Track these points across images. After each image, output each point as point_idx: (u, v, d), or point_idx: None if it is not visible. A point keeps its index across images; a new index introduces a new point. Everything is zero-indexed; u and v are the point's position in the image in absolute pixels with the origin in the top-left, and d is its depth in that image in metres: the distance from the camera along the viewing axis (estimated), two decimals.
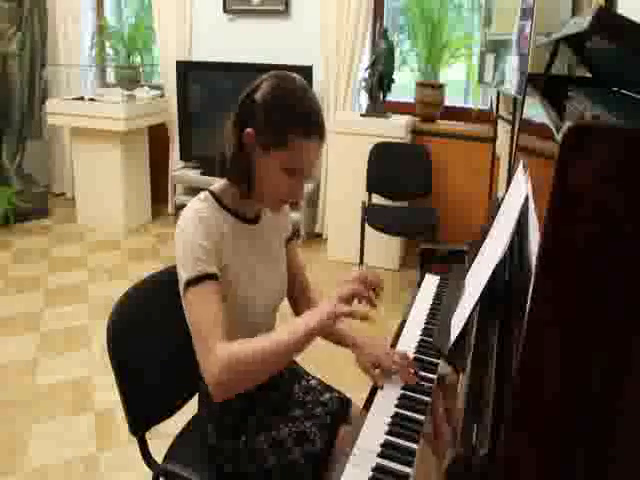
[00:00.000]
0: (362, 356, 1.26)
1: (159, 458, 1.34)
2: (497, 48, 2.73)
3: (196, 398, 1.45)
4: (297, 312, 1.42)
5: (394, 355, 1.23)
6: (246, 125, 1.11)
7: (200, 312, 1.06)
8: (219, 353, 1.02)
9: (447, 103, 3.74)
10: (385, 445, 1.00)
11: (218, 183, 1.21)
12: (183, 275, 1.08)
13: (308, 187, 3.91)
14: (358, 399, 1.28)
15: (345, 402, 1.36)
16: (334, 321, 1.02)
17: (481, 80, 3.09)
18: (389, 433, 1.04)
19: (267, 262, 1.26)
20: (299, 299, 1.42)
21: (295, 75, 1.13)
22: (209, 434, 1.25)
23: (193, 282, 1.07)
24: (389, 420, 1.08)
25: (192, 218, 1.11)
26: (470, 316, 1.05)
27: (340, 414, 1.31)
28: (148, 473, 1.33)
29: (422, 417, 1.07)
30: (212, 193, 1.19)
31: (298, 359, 1.50)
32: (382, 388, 1.18)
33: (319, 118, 1.11)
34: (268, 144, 1.09)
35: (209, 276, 1.08)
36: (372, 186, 3.41)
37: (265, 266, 1.25)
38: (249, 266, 1.20)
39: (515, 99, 2.54)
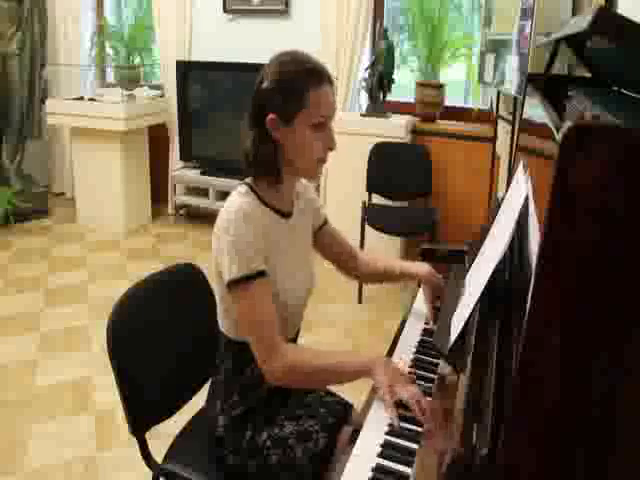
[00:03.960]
0: (427, 286, 1.45)
1: (159, 458, 1.34)
2: (497, 48, 2.72)
3: (196, 398, 1.45)
4: (354, 272, 1.50)
5: None
6: (264, 115, 1.15)
7: (260, 309, 1.14)
8: (288, 355, 1.14)
9: (447, 103, 3.74)
10: (385, 445, 1.00)
11: (251, 177, 1.24)
12: (235, 271, 1.12)
13: None
14: (358, 401, 1.28)
15: (346, 405, 1.37)
16: (376, 390, 1.13)
17: (481, 80, 3.09)
18: (389, 433, 1.04)
19: (300, 256, 1.30)
20: (352, 261, 1.49)
21: (284, 50, 1.19)
22: (219, 425, 1.26)
23: (247, 279, 1.12)
24: (389, 420, 1.07)
25: (238, 215, 1.14)
26: (470, 316, 1.05)
27: (341, 415, 1.31)
28: (148, 473, 1.33)
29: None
30: (251, 187, 1.22)
31: None
32: (434, 323, 1.39)
33: (320, 66, 1.18)
34: (291, 113, 1.14)
35: (261, 273, 1.14)
36: (372, 186, 3.41)
37: (298, 260, 1.29)
38: (286, 260, 1.24)
39: (515, 99, 2.54)
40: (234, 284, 1.13)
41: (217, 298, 1.25)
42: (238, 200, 1.17)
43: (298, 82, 1.13)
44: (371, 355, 1.16)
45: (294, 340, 1.36)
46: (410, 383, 1.11)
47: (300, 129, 1.15)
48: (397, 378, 1.10)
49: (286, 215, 1.26)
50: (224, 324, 1.26)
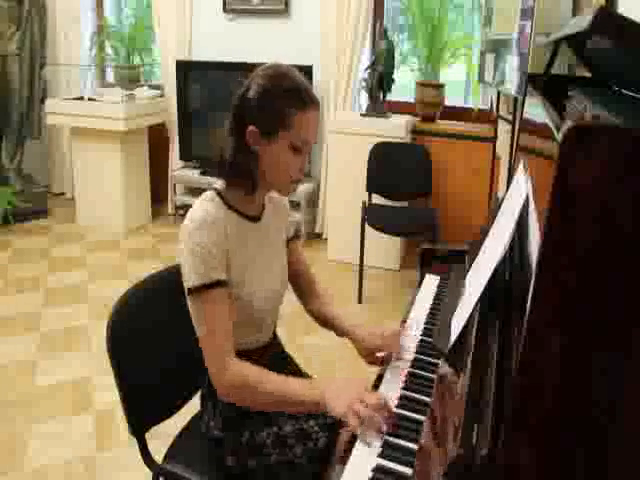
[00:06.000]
0: (362, 346, 1.30)
1: (159, 458, 1.34)
2: (497, 48, 2.73)
3: (196, 398, 1.45)
4: (305, 305, 1.45)
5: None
6: (245, 125, 1.14)
7: (213, 320, 1.12)
8: (234, 371, 1.11)
9: (447, 103, 3.74)
10: (385, 445, 1.00)
11: (222, 182, 1.23)
12: (193, 279, 1.11)
13: (308, 187, 3.91)
14: None
15: None
16: (338, 419, 1.07)
17: (481, 80, 3.09)
18: (389, 433, 1.04)
19: (269, 259, 1.29)
20: (307, 293, 1.45)
21: (276, 62, 1.18)
22: (214, 427, 1.25)
23: (204, 288, 1.11)
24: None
25: (201, 222, 1.12)
26: (470, 316, 1.05)
27: None
28: (148, 473, 1.33)
29: (422, 417, 1.07)
30: (218, 192, 1.21)
31: (299, 360, 1.50)
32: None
33: (309, 89, 1.15)
34: (273, 131, 1.13)
35: (219, 283, 1.12)
36: (372, 186, 3.41)
37: (268, 263, 1.27)
38: (253, 263, 1.23)
39: (515, 99, 2.54)
40: (192, 292, 1.12)
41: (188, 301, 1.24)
42: (202, 206, 1.16)
43: (286, 102, 1.11)
44: (319, 385, 1.11)
45: (271, 344, 1.35)
46: (366, 391, 1.07)
47: (280, 147, 1.14)
48: (351, 395, 1.05)
49: (253, 219, 1.25)
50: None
